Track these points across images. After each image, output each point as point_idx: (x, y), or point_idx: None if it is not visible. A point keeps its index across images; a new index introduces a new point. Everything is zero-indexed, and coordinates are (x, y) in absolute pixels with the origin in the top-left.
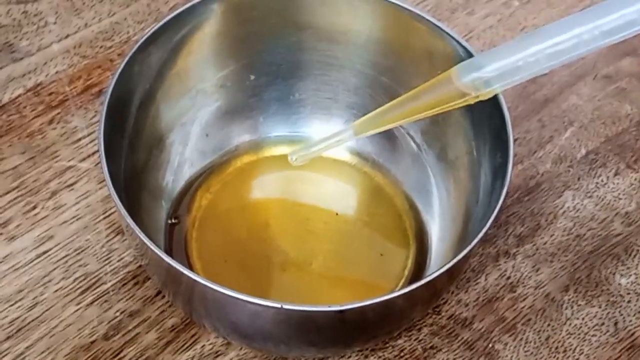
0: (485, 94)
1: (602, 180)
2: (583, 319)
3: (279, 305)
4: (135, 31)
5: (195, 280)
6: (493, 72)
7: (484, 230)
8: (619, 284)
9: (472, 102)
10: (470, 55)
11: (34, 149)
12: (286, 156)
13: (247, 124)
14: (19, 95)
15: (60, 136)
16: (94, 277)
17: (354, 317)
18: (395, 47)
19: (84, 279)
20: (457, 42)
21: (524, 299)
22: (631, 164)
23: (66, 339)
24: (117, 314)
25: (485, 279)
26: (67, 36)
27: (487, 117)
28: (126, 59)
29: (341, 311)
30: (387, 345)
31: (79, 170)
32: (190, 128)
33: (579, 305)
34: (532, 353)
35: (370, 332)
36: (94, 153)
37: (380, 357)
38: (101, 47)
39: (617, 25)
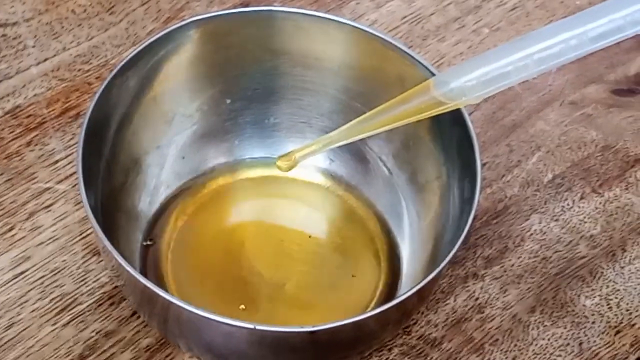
0: (473, 99)
1: (568, 204)
2: (549, 339)
3: (252, 326)
4: (113, 55)
5: (170, 301)
6: (482, 76)
7: (452, 252)
8: (584, 305)
9: (461, 106)
10: None
11: (11, 170)
12: (261, 179)
13: (222, 147)
14: None
15: (38, 158)
16: (70, 298)
17: (326, 338)
18: (368, 73)
19: (60, 300)
20: (427, 69)
21: (492, 320)
22: (596, 188)
23: (42, 359)
24: (93, 334)
25: (454, 300)
26: (45, 59)
27: (456, 142)
28: (104, 83)
29: (313, 332)
30: None
31: (57, 192)
32: (167, 151)
33: (545, 326)
34: None
35: (342, 352)
36: (71, 175)
37: None
38: (79, 70)
39: (605, 31)
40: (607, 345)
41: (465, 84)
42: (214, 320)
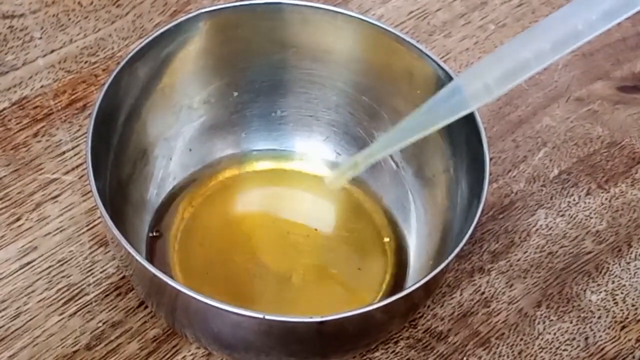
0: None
1: (574, 200)
2: (555, 333)
3: (261, 316)
4: (119, 47)
5: (178, 290)
6: (506, 70)
7: (459, 247)
8: (590, 300)
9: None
10: (448, 76)
11: (18, 161)
12: (268, 171)
13: (229, 139)
14: (4, 109)
15: (45, 149)
16: (77, 288)
17: (333, 329)
18: (376, 67)
19: (67, 290)
20: (436, 63)
21: (498, 314)
22: (602, 184)
23: (49, 349)
24: (100, 324)
25: (461, 294)
26: (52, 51)
27: (464, 137)
28: (113, 74)
29: (322, 322)
30: (365, 357)
31: (63, 182)
32: (174, 142)
33: (551, 320)
34: None
35: (349, 344)
36: (78, 166)
37: None
38: (86, 62)
39: (616, 5)
40: (612, 340)
41: (487, 82)
42: (223, 309)
